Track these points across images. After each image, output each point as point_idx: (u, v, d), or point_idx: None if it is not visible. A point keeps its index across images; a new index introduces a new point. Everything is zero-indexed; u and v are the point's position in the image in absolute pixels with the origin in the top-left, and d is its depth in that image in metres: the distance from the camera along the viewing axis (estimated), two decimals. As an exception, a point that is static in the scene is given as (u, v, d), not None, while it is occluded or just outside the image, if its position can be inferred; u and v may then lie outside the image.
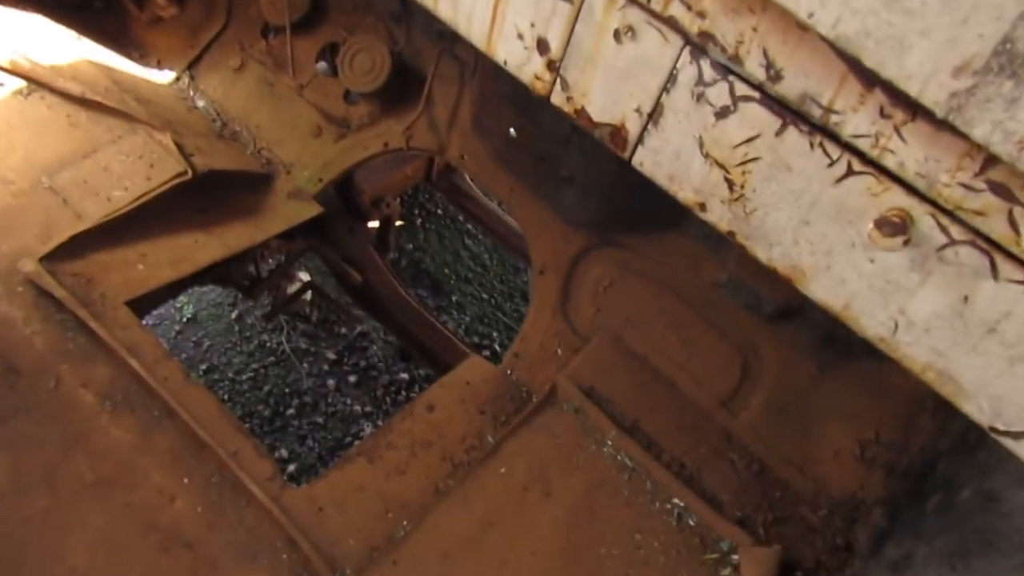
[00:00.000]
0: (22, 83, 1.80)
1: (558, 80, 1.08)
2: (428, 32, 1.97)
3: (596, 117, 1.07)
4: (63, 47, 1.95)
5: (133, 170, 1.76)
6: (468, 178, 2.95)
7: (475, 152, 1.97)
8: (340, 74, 1.97)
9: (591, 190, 1.85)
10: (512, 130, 1.87)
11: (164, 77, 2.05)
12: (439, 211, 3.80)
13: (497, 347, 3.42)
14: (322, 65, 2.08)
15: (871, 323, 0.95)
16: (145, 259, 1.72)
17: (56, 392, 1.47)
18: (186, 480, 1.46)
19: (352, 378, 3.20)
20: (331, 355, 3.22)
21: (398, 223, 2.97)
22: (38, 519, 1.36)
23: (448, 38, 1.92)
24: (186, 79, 2.07)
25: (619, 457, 1.69)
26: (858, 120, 0.83)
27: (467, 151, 1.98)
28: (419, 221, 3.70)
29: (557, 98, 1.11)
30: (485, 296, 3.62)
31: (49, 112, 1.80)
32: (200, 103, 2.05)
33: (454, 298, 3.57)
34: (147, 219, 1.75)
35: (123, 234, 1.71)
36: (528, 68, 1.11)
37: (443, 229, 3.78)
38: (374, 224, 2.53)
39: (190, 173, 1.76)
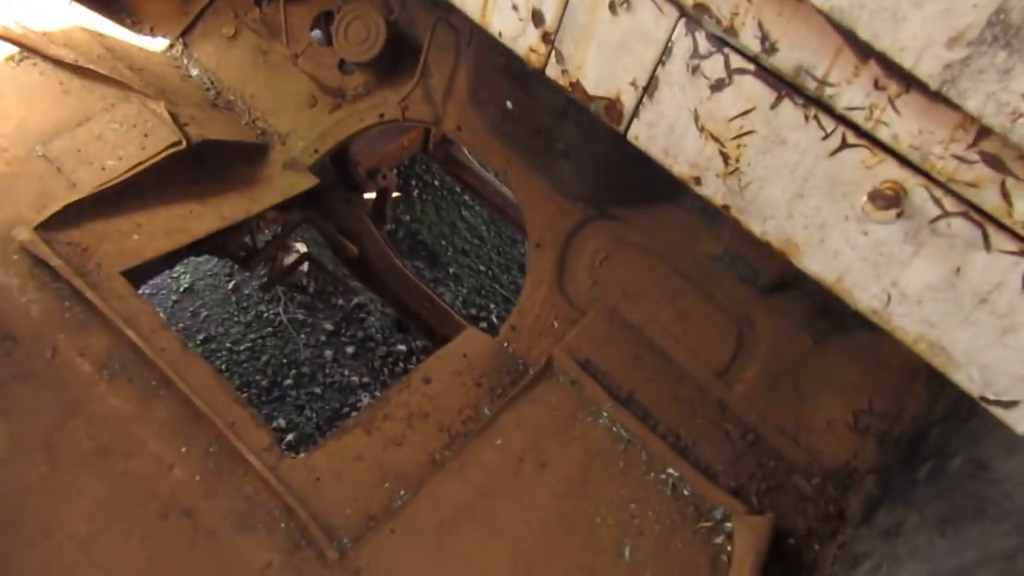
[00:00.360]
0: (14, 49, 1.78)
1: (553, 53, 1.07)
2: (423, 1, 1.95)
3: (591, 90, 1.07)
4: (55, 13, 1.92)
5: (127, 139, 1.75)
6: (465, 150, 2.93)
7: (471, 124, 1.96)
8: (335, 43, 1.95)
9: (587, 163, 1.84)
10: (508, 102, 1.86)
11: (157, 44, 2.03)
12: (436, 182, 3.79)
13: (494, 319, 3.43)
14: (316, 33, 2.06)
15: (864, 296, 0.96)
16: (140, 229, 1.72)
17: (53, 361, 1.48)
18: (184, 449, 1.48)
19: (349, 349, 3.22)
20: (328, 326, 3.23)
21: (395, 194, 2.96)
22: (37, 485, 1.38)
23: (443, 7, 1.90)
24: (179, 47, 2.05)
25: (615, 429, 1.71)
26: (852, 93, 0.83)
27: (463, 123, 1.97)
28: (416, 192, 3.68)
29: (552, 71, 1.10)
30: (482, 268, 3.62)
31: (42, 79, 1.78)
32: (194, 71, 2.03)
33: (451, 270, 3.57)
34: (142, 189, 1.75)
35: (118, 203, 1.71)
36: (523, 40, 1.10)
37: (440, 200, 3.77)
38: (370, 195, 2.52)
39: (184, 143, 1.75)
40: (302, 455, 1.56)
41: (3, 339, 1.47)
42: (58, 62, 1.79)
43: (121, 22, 2.02)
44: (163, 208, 1.77)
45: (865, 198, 0.88)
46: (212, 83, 2.02)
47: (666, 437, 1.73)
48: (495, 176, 3.09)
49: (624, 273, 1.92)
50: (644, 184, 1.78)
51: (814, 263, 0.99)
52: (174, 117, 1.78)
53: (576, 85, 1.08)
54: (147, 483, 1.43)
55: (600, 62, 1.03)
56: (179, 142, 1.74)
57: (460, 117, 1.97)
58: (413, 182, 3.72)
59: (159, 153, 1.73)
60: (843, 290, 0.98)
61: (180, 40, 2.06)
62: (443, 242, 3.64)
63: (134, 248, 1.68)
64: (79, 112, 1.76)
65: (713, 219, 1.83)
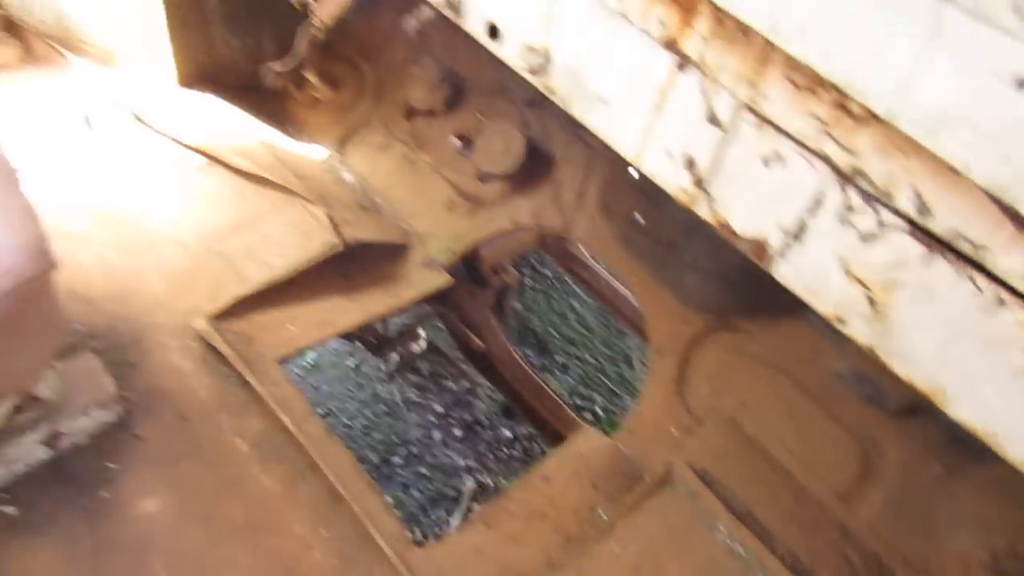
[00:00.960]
0: (203, 159, 2.04)
1: (703, 195, 1.15)
2: (559, 118, 2.10)
3: (739, 231, 1.14)
4: (235, 124, 2.19)
5: (290, 239, 1.95)
6: (580, 247, 3.04)
7: (599, 233, 2.06)
8: (475, 155, 2.12)
9: (714, 277, 1.89)
10: (637, 215, 1.95)
11: (316, 152, 2.26)
12: (547, 272, 3.91)
13: (599, 411, 3.46)
14: (458, 144, 2.24)
15: (1019, 449, 0.96)
16: (295, 320, 1.89)
17: (217, 440, 1.63)
18: (323, 532, 1.58)
19: (457, 432, 3.31)
20: (439, 408, 3.34)
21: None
22: (195, 554, 1.50)
23: (578, 125, 2.04)
24: (336, 155, 2.27)
25: (731, 545, 1.70)
26: (1010, 258, 0.86)
27: (591, 231, 2.07)
28: (528, 281, 3.81)
29: (700, 209, 1.18)
30: (589, 359, 3.67)
31: (222, 185, 2.02)
32: (347, 176, 2.24)
33: (558, 359, 3.64)
34: (298, 283, 1.93)
35: (278, 297, 1.89)
36: (674, 181, 1.19)
37: (551, 290, 3.88)
38: (492, 289, 2.65)
39: (340, 244, 1.93)
40: (428, 546, 1.63)
41: (177, 418, 1.63)
42: (237, 170, 2.03)
43: (287, 132, 2.27)
44: (315, 301, 1.94)
45: (1022, 357, 0.90)
46: (362, 187, 2.23)
47: (784, 558, 1.70)
48: (605, 270, 3.18)
49: (745, 385, 1.93)
50: (771, 300, 1.81)
51: (963, 412, 1.00)
52: (331, 220, 1.97)
53: (724, 225, 1.16)
54: (290, 562, 1.53)
55: (750, 207, 1.11)
56: (335, 243, 1.92)
57: (588, 226, 2.08)
58: (525, 271, 3.86)
59: (317, 253, 1.91)
60: (994, 441, 0.99)
61: (336, 149, 2.29)
62: (552, 331, 3.73)
63: (289, 338, 1.85)
64: (251, 214, 1.98)
65: (840, 337, 1.83)
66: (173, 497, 1.54)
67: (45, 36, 2.21)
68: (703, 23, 0.98)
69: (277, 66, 2.16)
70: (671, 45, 1.04)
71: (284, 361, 1.83)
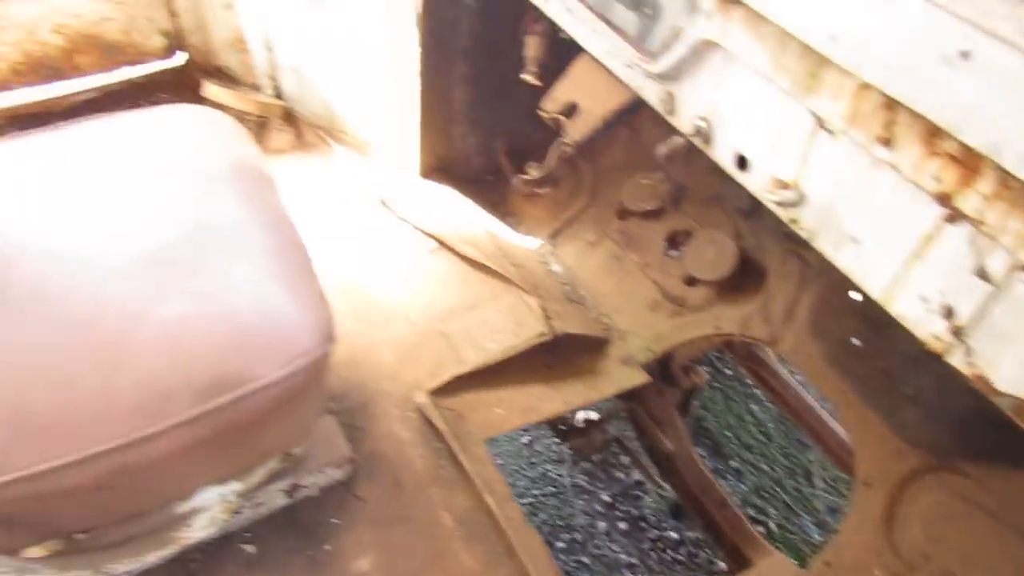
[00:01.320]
0: (435, 243, 2.25)
1: (960, 346, 1.12)
2: (775, 232, 2.10)
3: (999, 387, 1.09)
4: (463, 212, 2.40)
5: (504, 325, 2.08)
6: (776, 357, 2.95)
7: (808, 350, 2.01)
8: (685, 259, 2.17)
9: (939, 414, 1.78)
10: (854, 339, 1.89)
11: (531, 243, 2.41)
12: (727, 371, 3.82)
13: (773, 526, 3.28)
14: (667, 247, 2.30)
15: None
16: (502, 403, 2.00)
17: (427, 511, 1.75)
18: (513, 617, 1.63)
19: (622, 525, 3.26)
20: (606, 497, 3.32)
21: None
22: (395, 620, 1.61)
23: (795, 240, 2.02)
24: (547, 245, 2.41)
25: None
26: None
27: (799, 348, 2.03)
28: (707, 378, 3.73)
29: (954, 359, 1.14)
30: (766, 468, 3.51)
31: (449, 269, 2.22)
32: (556, 268, 2.37)
33: (733, 463, 3.51)
34: (506, 368, 2.04)
35: (488, 379, 2.01)
36: (925, 328, 1.16)
37: (729, 390, 3.78)
38: (680, 388, 2.64)
39: (550, 335, 2.03)
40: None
41: (394, 484, 1.77)
42: (463, 257, 2.21)
43: (505, 221, 2.44)
44: (521, 387, 2.05)
45: None
46: (570, 279, 2.34)
47: None
48: (812, 390, 3.06)
49: (966, 536, 1.77)
50: (1008, 448, 1.67)
51: None
52: (543, 311, 2.08)
53: (981, 378, 1.11)
54: (481, 642, 1.59)
55: (1018, 365, 1.06)
56: (546, 333, 2.03)
57: (797, 342, 2.04)
58: (705, 368, 3.79)
59: (529, 341, 2.02)
60: None
61: (549, 240, 2.43)
62: (728, 433, 3.62)
63: (496, 421, 1.95)
64: (472, 298, 2.14)
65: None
66: (384, 559, 1.66)
67: (315, 126, 2.57)
68: (986, 184, 0.97)
69: (528, 176, 2.37)
70: (944, 200, 1.04)
71: (489, 441, 1.93)
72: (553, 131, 2.22)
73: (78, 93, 2.46)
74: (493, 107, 2.41)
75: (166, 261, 1.24)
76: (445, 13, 2.01)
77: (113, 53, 2.48)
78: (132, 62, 2.54)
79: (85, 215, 1.30)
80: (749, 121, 1.32)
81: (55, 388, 1.08)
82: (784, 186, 1.28)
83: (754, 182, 1.36)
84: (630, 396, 2.45)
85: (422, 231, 2.28)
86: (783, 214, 1.33)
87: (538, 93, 2.17)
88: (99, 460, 1.06)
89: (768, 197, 1.31)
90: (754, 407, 3.77)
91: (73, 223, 1.28)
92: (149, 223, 1.30)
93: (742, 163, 1.37)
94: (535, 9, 1.79)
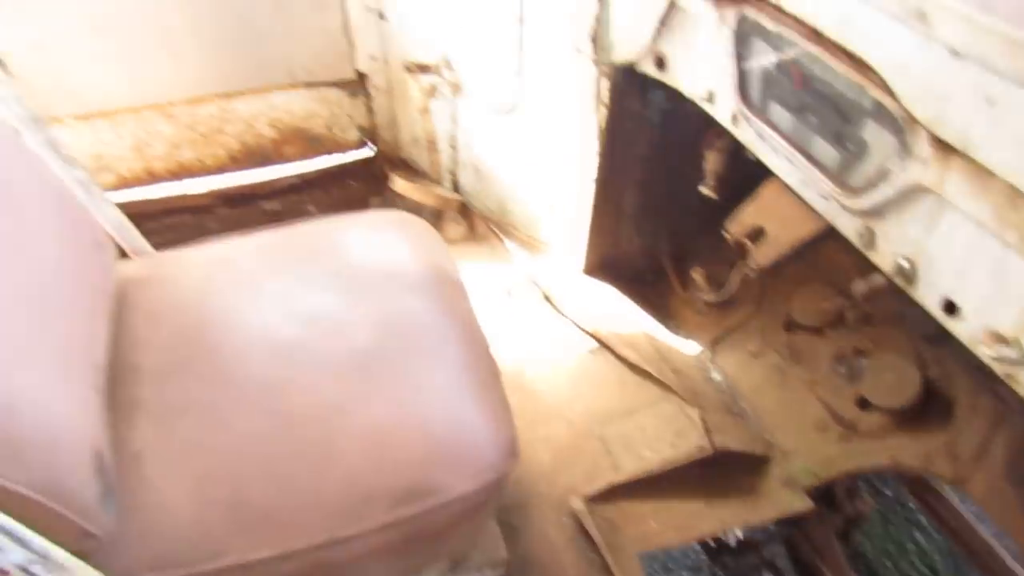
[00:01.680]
0: (595, 343, 2.27)
1: None
2: (964, 362, 1.95)
3: None
4: (624, 313, 2.41)
5: (662, 434, 2.05)
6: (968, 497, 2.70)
7: (1003, 498, 1.83)
8: (861, 383, 2.05)
9: None
10: (1062, 494, 1.70)
11: (690, 348, 2.37)
12: (888, 492, 3.53)
13: (939, 675, 2.94)
14: (832, 364, 2.19)
15: None
16: (656, 517, 1.95)
17: (576, 623, 1.72)
18: None
19: (762, 651, 3.04)
20: (746, 617, 3.12)
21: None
22: None
23: (989, 375, 1.87)
24: (707, 352, 2.36)
25: None
26: None
27: (993, 493, 1.85)
28: (873, 505, 3.47)
29: None
30: (931, 607, 3.17)
31: (607, 370, 2.22)
32: (716, 376, 2.31)
33: (891, 597, 3.20)
34: (661, 480, 2.00)
35: (644, 490, 1.97)
36: None
37: (890, 513, 3.48)
38: (843, 515, 2.46)
39: (710, 449, 1.97)
40: None
41: (545, 589, 1.76)
42: (622, 359, 2.21)
43: (665, 324, 2.43)
44: (676, 501, 1.99)
45: None
46: (731, 390, 2.27)
47: None
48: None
49: None
50: None
51: None
52: (704, 423, 2.03)
53: None
54: None
55: None
56: (706, 448, 1.97)
57: (989, 486, 1.86)
58: (862, 484, 3.53)
59: (687, 454, 1.98)
60: None
61: (709, 347, 2.38)
62: (887, 562, 3.31)
63: (650, 534, 1.90)
64: (630, 404, 2.13)
65: None
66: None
67: (487, 220, 2.70)
68: None
69: (707, 298, 2.37)
70: None
71: (641, 555, 1.88)
72: (720, 236, 2.21)
73: (281, 179, 2.74)
74: (662, 211, 2.43)
75: (371, 363, 1.34)
76: (627, 127, 2.08)
77: (315, 144, 2.75)
78: (329, 152, 2.81)
79: (303, 312, 1.43)
80: (963, 268, 1.25)
81: (271, 480, 1.17)
82: (1002, 340, 1.20)
83: (965, 331, 1.28)
84: (789, 521, 2.32)
85: (583, 329, 2.31)
86: (999, 369, 1.24)
87: (709, 201, 2.17)
88: (303, 555, 1.14)
89: (984, 352, 1.23)
90: (918, 535, 3.43)
91: (293, 320, 1.41)
92: (357, 325, 1.41)
93: (950, 308, 1.30)
94: (719, 125, 1.81)
